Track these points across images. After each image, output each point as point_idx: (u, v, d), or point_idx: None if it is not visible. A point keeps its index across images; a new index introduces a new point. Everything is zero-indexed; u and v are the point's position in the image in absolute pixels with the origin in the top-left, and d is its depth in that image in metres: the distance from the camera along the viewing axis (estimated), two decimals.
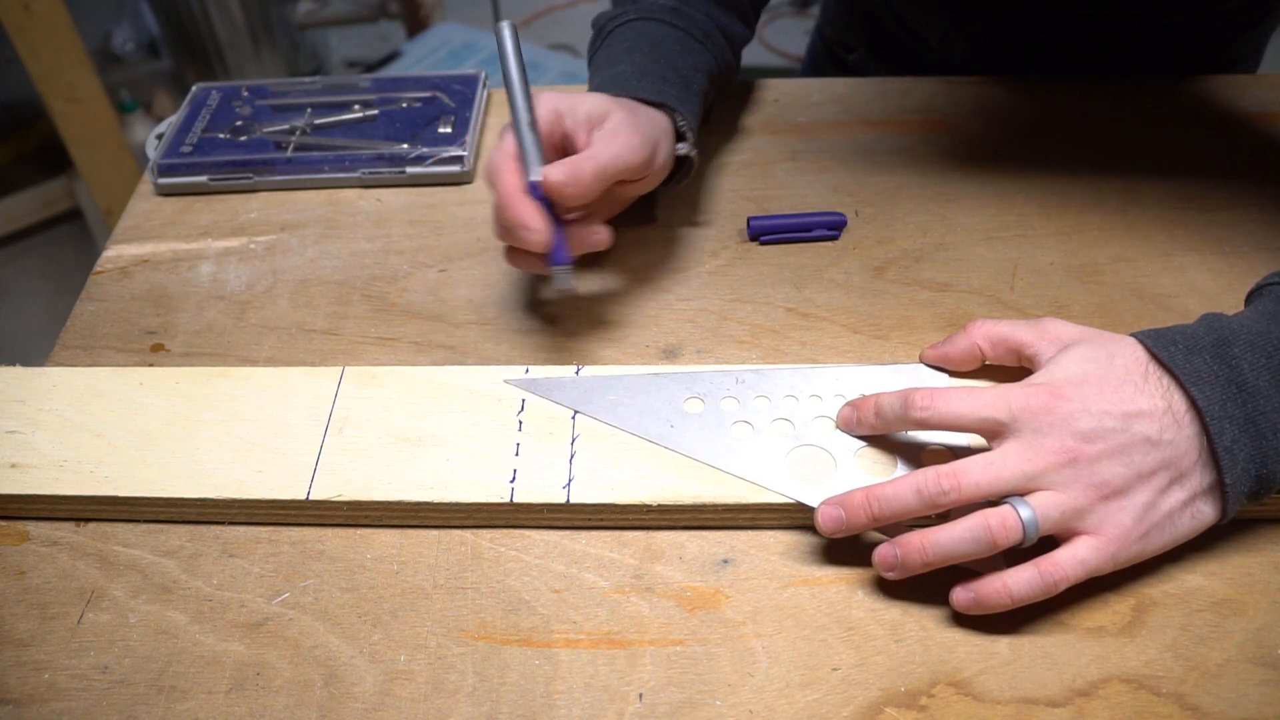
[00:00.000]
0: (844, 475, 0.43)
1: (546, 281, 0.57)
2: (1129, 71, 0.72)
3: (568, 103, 0.51)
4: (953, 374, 0.48)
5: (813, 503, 0.42)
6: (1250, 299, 0.45)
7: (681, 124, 0.55)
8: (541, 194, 0.47)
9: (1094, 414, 0.39)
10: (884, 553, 0.40)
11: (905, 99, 0.70)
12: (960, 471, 0.39)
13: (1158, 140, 0.65)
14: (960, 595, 0.40)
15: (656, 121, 0.53)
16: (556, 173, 0.47)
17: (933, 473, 0.39)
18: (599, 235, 0.51)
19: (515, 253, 0.50)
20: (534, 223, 0.46)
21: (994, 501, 0.39)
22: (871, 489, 0.40)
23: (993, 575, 0.39)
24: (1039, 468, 0.38)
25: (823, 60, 0.90)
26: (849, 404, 0.45)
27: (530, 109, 0.49)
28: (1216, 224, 0.59)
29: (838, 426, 0.45)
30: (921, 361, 0.48)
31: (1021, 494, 0.39)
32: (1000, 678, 0.39)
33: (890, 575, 0.41)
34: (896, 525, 0.41)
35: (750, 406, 0.46)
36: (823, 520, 0.41)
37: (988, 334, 0.46)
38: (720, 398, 0.47)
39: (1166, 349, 0.40)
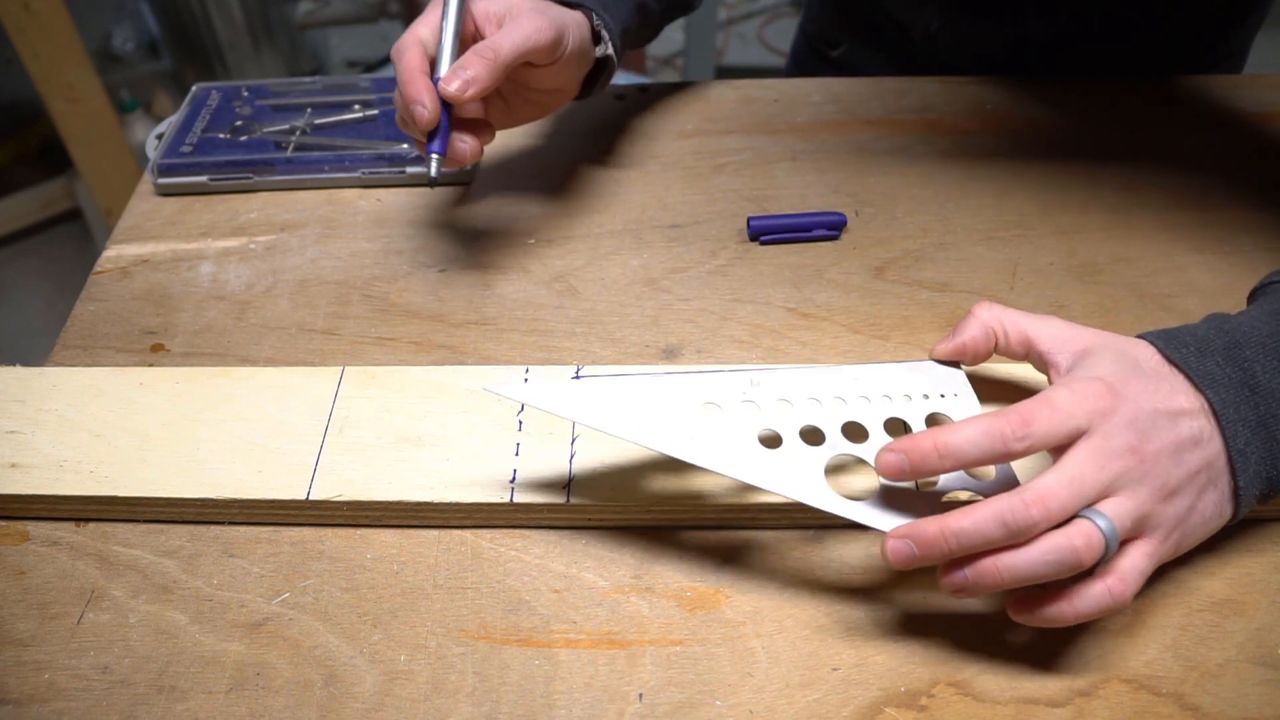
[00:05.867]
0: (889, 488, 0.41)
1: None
2: (1116, 67, 0.72)
3: (481, 4, 0.53)
4: (969, 365, 0.45)
5: (877, 525, 0.39)
6: (1253, 298, 0.45)
7: (598, 23, 0.55)
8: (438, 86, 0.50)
9: (1147, 412, 0.37)
10: (954, 577, 0.37)
11: (905, 99, 0.70)
12: (1046, 496, 0.35)
13: (1158, 140, 0.65)
14: (1020, 613, 0.38)
15: (568, 14, 0.54)
16: (452, 86, 0.49)
17: (1017, 501, 0.35)
18: (465, 145, 0.52)
19: (403, 121, 0.52)
20: (427, 99, 0.49)
21: None
22: (946, 522, 0.36)
23: (1056, 594, 0.37)
24: (1112, 474, 0.36)
25: (807, 57, 0.90)
26: (892, 450, 0.38)
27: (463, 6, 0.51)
28: (1216, 224, 0.59)
29: (882, 474, 0.38)
30: (933, 358, 0.46)
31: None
32: (1000, 678, 0.39)
33: (958, 596, 0.38)
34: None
35: (772, 412, 0.43)
36: (893, 557, 0.37)
37: (1000, 319, 0.43)
38: (738, 403, 0.42)
39: (1179, 350, 0.39)
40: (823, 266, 0.57)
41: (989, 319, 0.44)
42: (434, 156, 0.51)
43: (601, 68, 0.57)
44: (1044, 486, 0.36)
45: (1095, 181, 0.62)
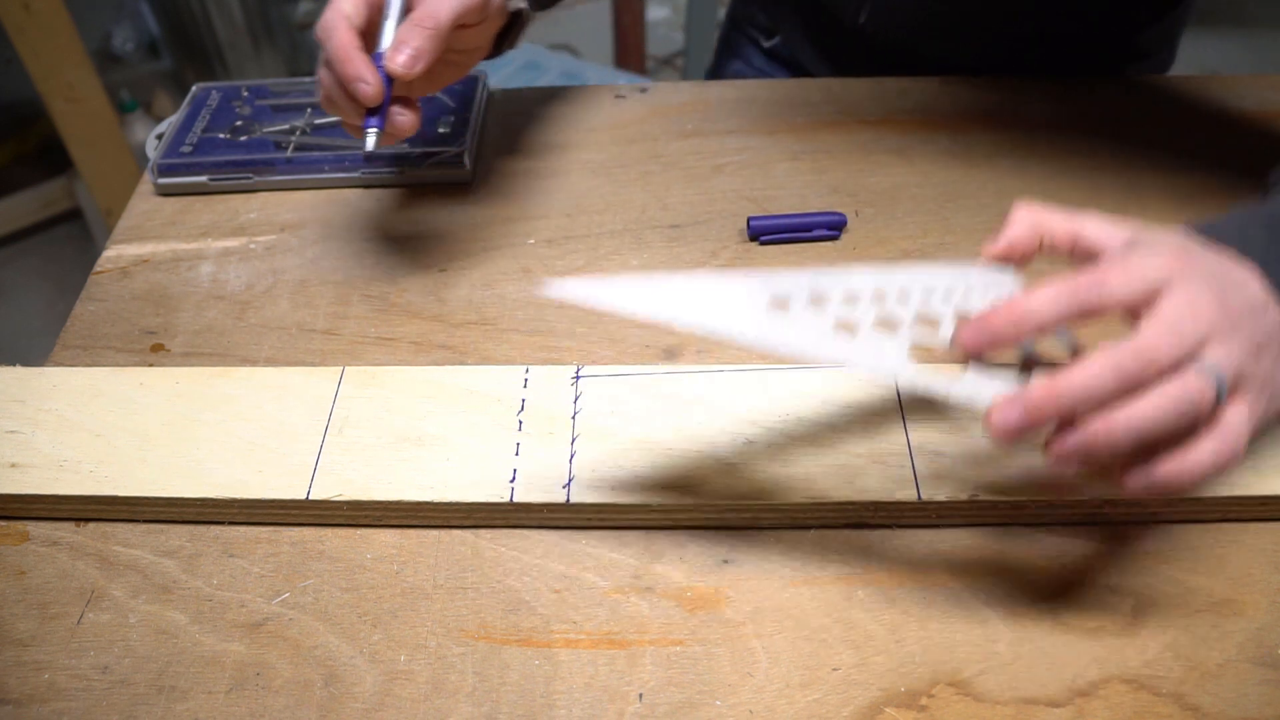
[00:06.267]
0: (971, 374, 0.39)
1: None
2: (1036, 57, 0.72)
3: None
4: (1018, 268, 0.42)
5: (978, 401, 0.38)
6: (1267, 190, 0.43)
7: None
8: (382, 62, 0.49)
9: (1219, 273, 0.36)
10: (1067, 442, 0.34)
11: (904, 99, 0.70)
12: (1152, 345, 0.34)
13: (1157, 140, 0.65)
14: (1134, 480, 0.35)
15: None
16: (399, 62, 0.48)
17: (1127, 349, 0.34)
18: (404, 118, 0.51)
19: (332, 101, 0.51)
20: (369, 75, 0.48)
21: None
22: (1055, 381, 0.34)
23: (1167, 458, 0.34)
24: (1207, 325, 0.34)
25: (737, 46, 0.89)
26: (969, 323, 0.36)
27: None
28: None
29: (962, 346, 0.37)
30: (987, 260, 0.42)
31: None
32: (1000, 678, 0.39)
33: (1070, 466, 0.35)
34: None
35: (842, 307, 0.39)
36: (1000, 427, 0.34)
37: (1043, 217, 0.41)
38: (805, 301, 0.39)
39: (1219, 231, 0.38)
40: (823, 267, 0.57)
41: (1032, 218, 0.41)
42: (373, 131, 0.50)
43: (513, 22, 0.57)
44: (1147, 337, 0.34)
45: (1095, 181, 0.62)
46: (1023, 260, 0.42)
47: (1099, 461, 0.35)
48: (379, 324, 0.55)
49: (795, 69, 0.84)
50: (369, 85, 0.48)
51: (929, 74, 0.73)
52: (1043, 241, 0.41)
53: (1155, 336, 0.34)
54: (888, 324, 0.40)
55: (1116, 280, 0.35)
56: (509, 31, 0.58)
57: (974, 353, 0.36)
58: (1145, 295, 0.35)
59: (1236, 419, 0.35)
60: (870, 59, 0.76)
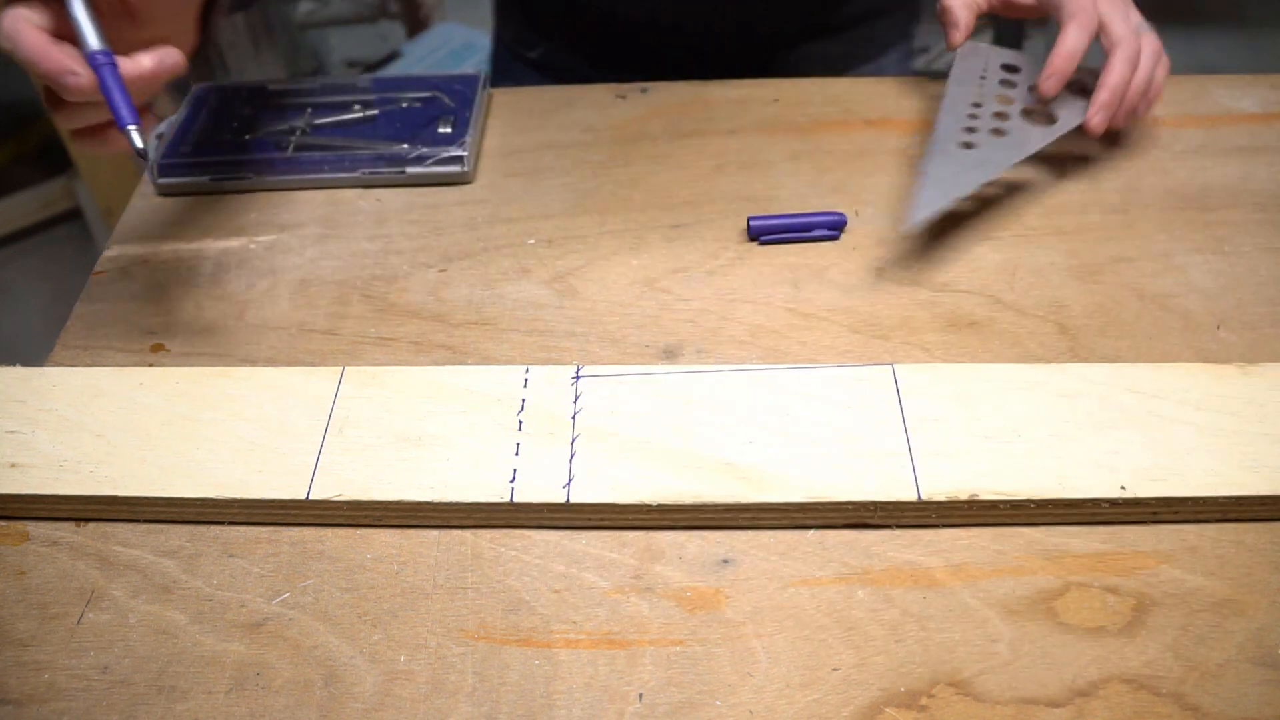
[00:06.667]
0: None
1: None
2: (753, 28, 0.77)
3: None
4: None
5: (1069, 126, 0.59)
6: None
7: None
8: (101, 61, 0.45)
9: None
10: (1120, 112, 0.59)
11: (905, 99, 0.70)
12: (1127, 39, 0.58)
13: (1158, 140, 0.65)
14: (1146, 102, 0.60)
15: None
16: (145, 63, 0.46)
17: (1121, 50, 0.57)
18: (171, 58, 0.47)
19: (84, 134, 0.48)
20: (75, 65, 0.44)
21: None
22: (1106, 86, 0.57)
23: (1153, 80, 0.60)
24: (1121, 6, 0.60)
25: (506, 64, 0.88)
26: (1046, 79, 0.59)
27: None
28: (1216, 224, 0.59)
29: (1044, 93, 0.59)
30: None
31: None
32: (1000, 678, 0.39)
33: (1130, 119, 0.61)
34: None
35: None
36: (1100, 123, 0.58)
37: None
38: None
39: None
40: (823, 266, 0.57)
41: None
42: (131, 128, 0.45)
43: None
44: (1122, 34, 0.58)
45: (1095, 182, 0.62)
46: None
47: (1134, 108, 0.60)
48: (379, 324, 0.55)
49: (568, 76, 0.82)
50: (77, 76, 0.44)
51: (695, 58, 0.77)
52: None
53: (1123, 33, 0.58)
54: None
55: (1084, 19, 0.58)
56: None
57: (1056, 92, 0.59)
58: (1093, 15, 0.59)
59: (1154, 39, 0.60)
60: (632, 49, 0.77)
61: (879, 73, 0.83)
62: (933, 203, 0.54)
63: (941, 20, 0.65)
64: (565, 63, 0.83)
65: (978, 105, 0.61)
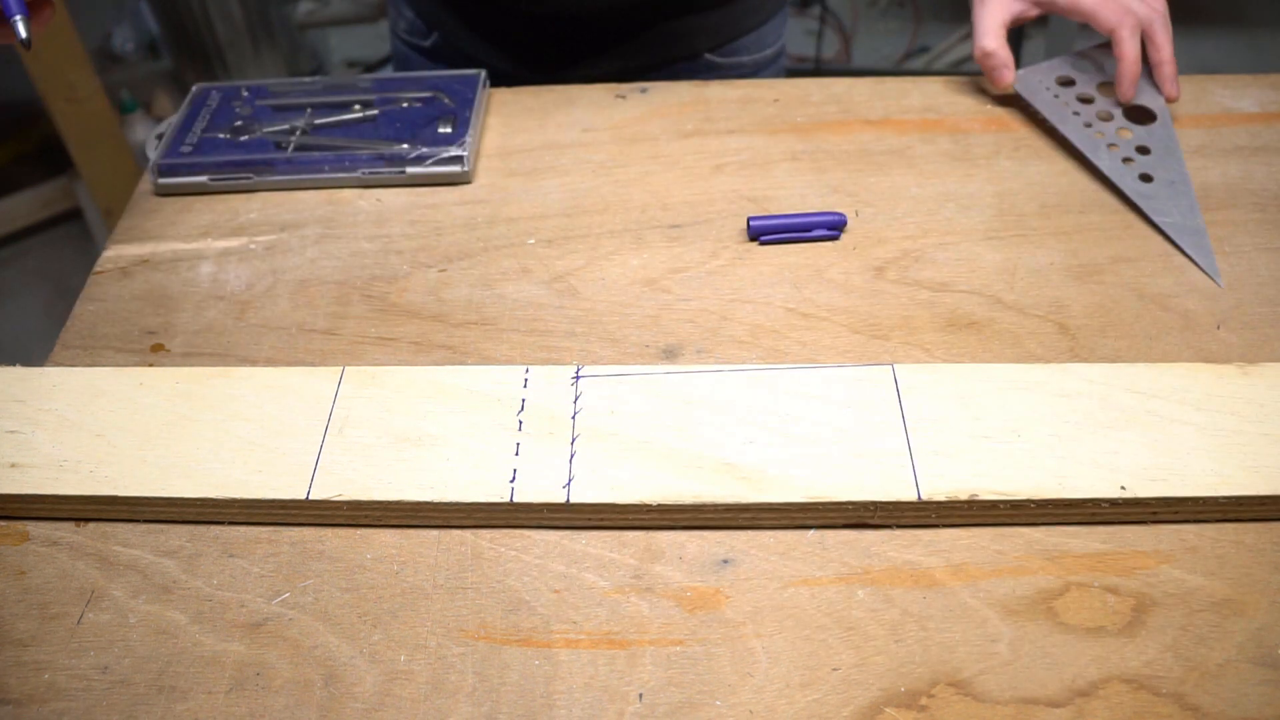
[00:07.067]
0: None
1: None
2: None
3: None
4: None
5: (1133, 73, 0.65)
6: None
7: None
8: None
9: None
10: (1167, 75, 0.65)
11: (905, 99, 0.70)
12: (1162, 15, 0.64)
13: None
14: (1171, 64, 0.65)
15: None
16: None
17: (1158, 29, 0.64)
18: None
19: None
20: None
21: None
22: (1161, 57, 0.64)
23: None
24: None
25: (405, 57, 0.89)
26: (1122, 84, 0.64)
27: None
28: (1216, 223, 0.59)
29: (1127, 91, 0.65)
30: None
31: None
32: (1000, 678, 0.39)
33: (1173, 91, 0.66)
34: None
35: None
36: (1174, 90, 0.65)
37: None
38: None
39: None
40: (823, 266, 0.57)
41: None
42: (18, 19, 0.47)
43: None
44: (1144, 15, 0.63)
45: (1095, 182, 0.62)
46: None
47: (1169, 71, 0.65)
48: (379, 324, 0.55)
49: (461, 61, 0.83)
50: None
51: (577, 27, 0.77)
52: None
53: (1148, 14, 0.63)
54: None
55: (1129, 22, 0.63)
56: None
57: (1134, 92, 0.65)
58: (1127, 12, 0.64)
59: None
60: (519, 23, 0.77)
61: (760, 42, 0.84)
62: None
63: (988, 65, 0.67)
64: (459, 47, 0.83)
65: (1088, 126, 0.65)
